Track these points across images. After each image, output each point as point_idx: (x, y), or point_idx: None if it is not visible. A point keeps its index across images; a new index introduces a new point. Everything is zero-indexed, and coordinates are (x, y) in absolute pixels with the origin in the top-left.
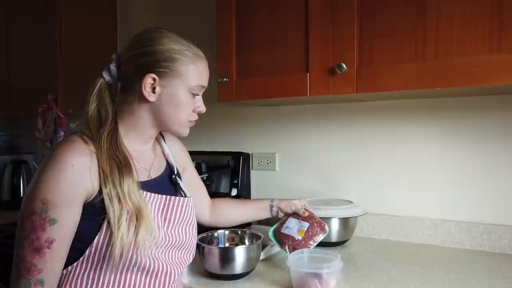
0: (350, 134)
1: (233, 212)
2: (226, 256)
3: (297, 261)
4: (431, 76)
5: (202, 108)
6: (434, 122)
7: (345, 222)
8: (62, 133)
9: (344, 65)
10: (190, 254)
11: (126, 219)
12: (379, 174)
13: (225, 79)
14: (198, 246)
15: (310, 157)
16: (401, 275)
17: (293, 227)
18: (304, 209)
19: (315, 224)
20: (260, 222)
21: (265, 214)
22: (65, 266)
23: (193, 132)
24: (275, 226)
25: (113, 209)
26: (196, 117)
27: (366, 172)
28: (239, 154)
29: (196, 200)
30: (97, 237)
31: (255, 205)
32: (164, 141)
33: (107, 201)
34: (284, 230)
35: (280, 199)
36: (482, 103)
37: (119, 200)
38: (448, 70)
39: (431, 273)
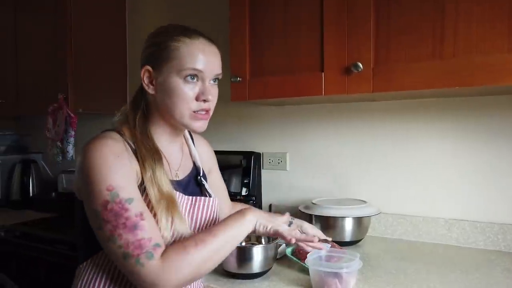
0: (361, 133)
1: None
2: (244, 255)
3: (316, 260)
4: (449, 75)
5: (206, 96)
6: (447, 121)
7: (359, 222)
8: (73, 133)
9: (360, 64)
10: None
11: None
12: (392, 174)
13: (238, 79)
14: None
15: (321, 156)
16: (418, 275)
17: None
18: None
19: (336, 247)
20: None
21: None
22: (102, 249)
23: (205, 131)
24: (292, 247)
25: (153, 193)
26: (200, 106)
27: (378, 171)
28: (250, 153)
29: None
30: None
31: None
32: (193, 142)
33: (148, 184)
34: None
35: (302, 220)
36: (495, 102)
37: (157, 185)
38: (467, 69)
39: (449, 273)
